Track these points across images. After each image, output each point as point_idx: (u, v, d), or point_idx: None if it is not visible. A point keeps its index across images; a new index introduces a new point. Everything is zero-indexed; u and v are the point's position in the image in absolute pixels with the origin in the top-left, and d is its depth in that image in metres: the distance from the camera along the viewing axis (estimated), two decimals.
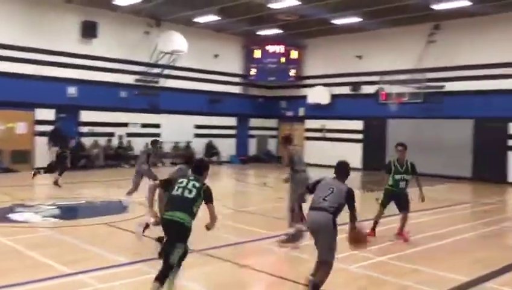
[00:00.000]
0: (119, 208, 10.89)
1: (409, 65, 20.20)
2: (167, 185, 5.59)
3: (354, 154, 21.42)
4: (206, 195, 5.32)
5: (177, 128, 22.21)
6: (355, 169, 17.88)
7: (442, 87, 19.83)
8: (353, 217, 5.57)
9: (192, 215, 5.26)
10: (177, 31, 20.56)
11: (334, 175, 5.85)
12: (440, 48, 19.78)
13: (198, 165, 5.71)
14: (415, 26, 20.31)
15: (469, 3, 17.01)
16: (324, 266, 5.49)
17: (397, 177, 8.48)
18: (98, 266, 6.54)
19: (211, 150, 23.49)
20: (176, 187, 5.36)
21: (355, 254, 7.35)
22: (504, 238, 9.54)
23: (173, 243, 5.19)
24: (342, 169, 5.87)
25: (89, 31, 19.24)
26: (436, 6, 17.67)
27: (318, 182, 5.83)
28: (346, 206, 5.58)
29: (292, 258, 7.34)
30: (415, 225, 9.90)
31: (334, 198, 5.52)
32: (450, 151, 19.13)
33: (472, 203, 13.75)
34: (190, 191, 5.28)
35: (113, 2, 18.39)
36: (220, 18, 20.46)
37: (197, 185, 5.35)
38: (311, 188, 5.85)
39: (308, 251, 7.54)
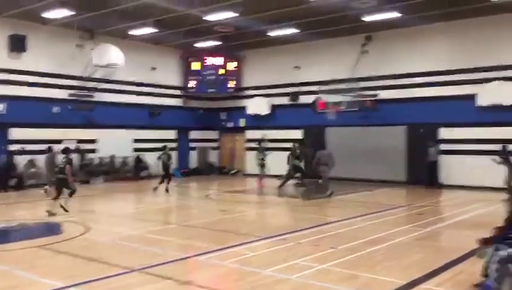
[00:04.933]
0: (54, 229, 10.42)
1: (344, 75, 20.78)
2: None
3: None
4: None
5: (114, 143, 21.65)
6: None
7: (375, 95, 20.60)
8: None
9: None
10: (112, 43, 20.09)
11: None
12: (372, 58, 20.53)
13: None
14: (348, 37, 20.99)
15: (398, 15, 17.80)
16: None
17: None
18: None
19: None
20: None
21: (297, 263, 7.43)
22: (437, 240, 9.96)
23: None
24: None
25: (17, 44, 18.47)
26: (367, 18, 18.38)
27: None
28: None
29: (236, 272, 7.29)
30: (354, 231, 10.16)
31: None
32: (386, 157, 19.82)
33: (407, 207, 14.27)
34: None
35: (43, 15, 17.71)
36: (156, 30, 20.21)
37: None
38: None
39: (253, 264, 7.53)
